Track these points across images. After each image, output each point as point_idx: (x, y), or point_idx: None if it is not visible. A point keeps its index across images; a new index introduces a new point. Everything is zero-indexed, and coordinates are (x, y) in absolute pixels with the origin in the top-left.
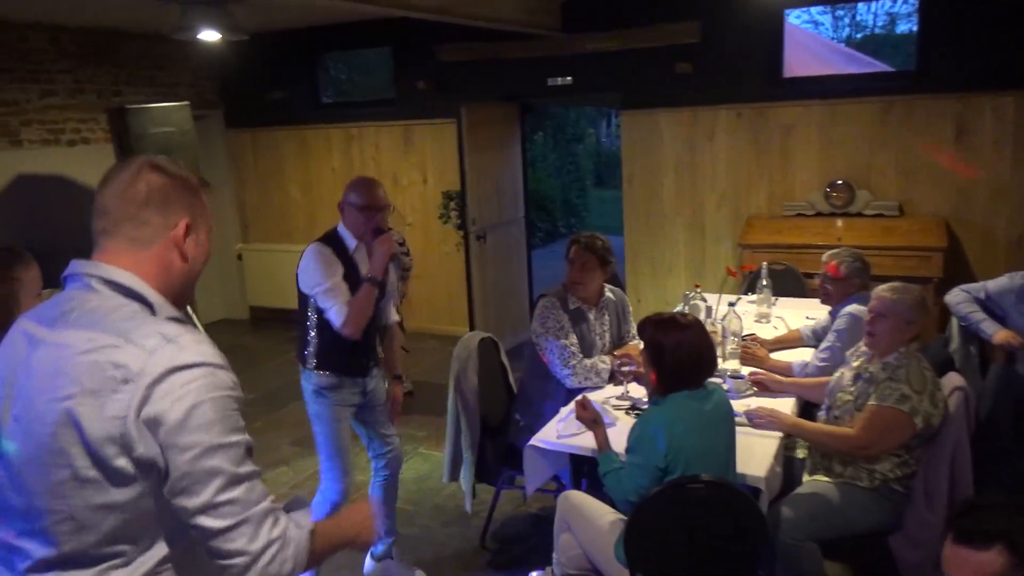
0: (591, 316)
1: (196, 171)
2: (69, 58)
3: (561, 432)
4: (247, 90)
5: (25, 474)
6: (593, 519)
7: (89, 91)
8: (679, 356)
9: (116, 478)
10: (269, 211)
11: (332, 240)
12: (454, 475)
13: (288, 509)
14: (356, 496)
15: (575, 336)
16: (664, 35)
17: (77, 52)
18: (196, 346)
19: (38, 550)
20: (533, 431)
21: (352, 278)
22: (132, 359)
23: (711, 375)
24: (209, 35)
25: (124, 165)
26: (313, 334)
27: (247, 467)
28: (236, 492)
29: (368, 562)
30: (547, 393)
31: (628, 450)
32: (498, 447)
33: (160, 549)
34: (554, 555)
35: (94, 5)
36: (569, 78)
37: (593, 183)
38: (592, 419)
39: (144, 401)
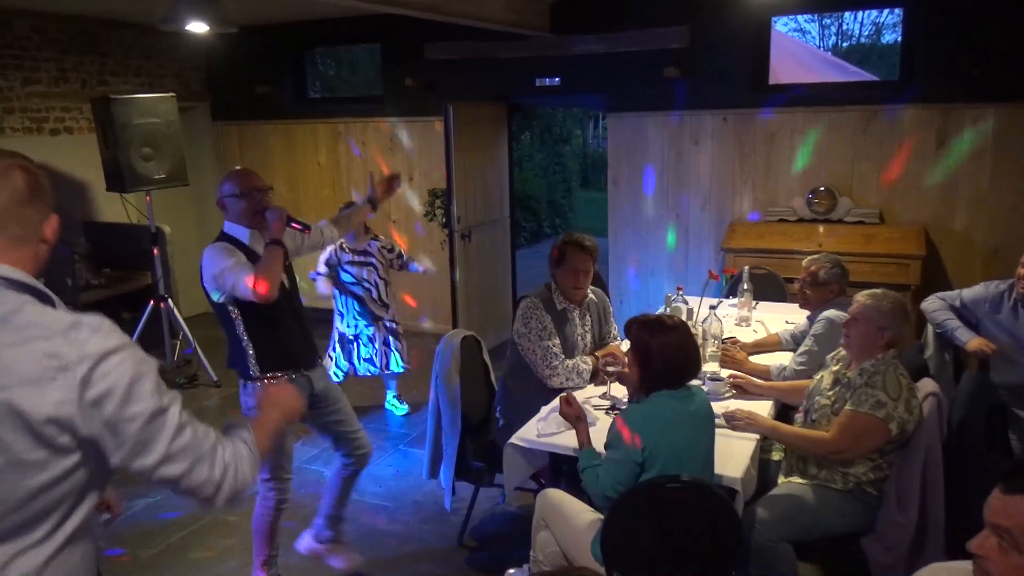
0: (575, 317)
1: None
2: (54, 46)
3: (541, 431)
4: (234, 83)
5: None
6: (571, 517)
7: (74, 80)
8: (665, 357)
9: (59, 454)
10: None
11: (224, 238)
12: (434, 472)
13: (227, 431)
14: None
15: (558, 338)
16: (653, 39)
17: (63, 40)
18: (114, 330)
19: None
20: (513, 429)
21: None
22: (64, 349)
23: (694, 376)
24: (197, 27)
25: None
26: (246, 339)
27: (184, 417)
28: (184, 438)
29: (307, 540)
30: (528, 391)
31: (607, 445)
32: (478, 445)
33: (70, 524)
34: (531, 553)
35: None
36: (557, 79)
37: (579, 184)
38: (576, 415)
39: (85, 385)
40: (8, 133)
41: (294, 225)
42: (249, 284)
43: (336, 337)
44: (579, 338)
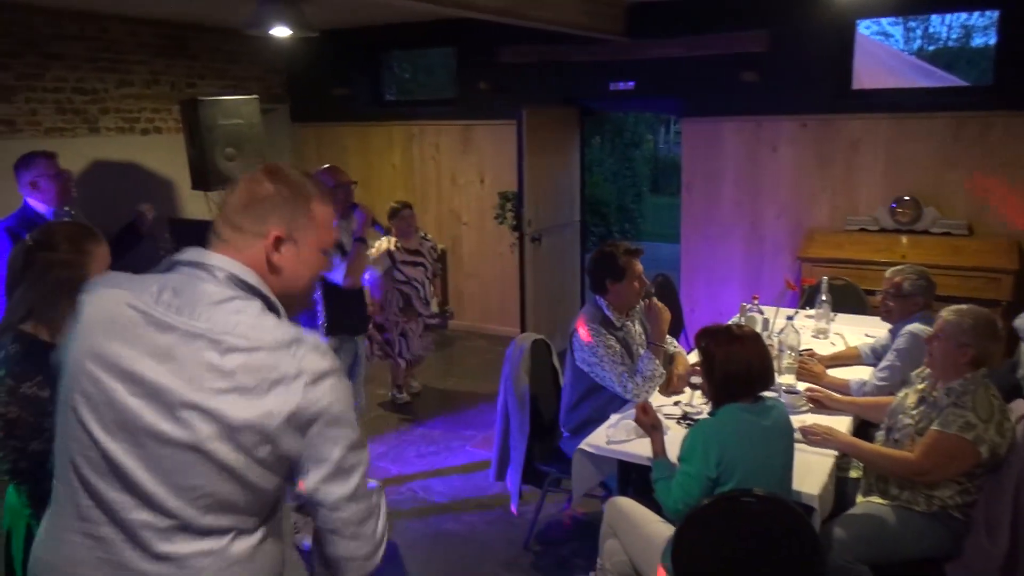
0: (631, 327)
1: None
2: (147, 49)
3: (611, 438)
4: (313, 86)
5: (163, 457)
6: (641, 526)
7: (164, 82)
8: (727, 369)
9: (254, 467)
10: None
11: None
12: (501, 475)
13: None
14: None
15: (629, 356)
16: (730, 43)
17: (155, 44)
18: (329, 352)
19: (172, 524)
20: (579, 439)
21: (339, 248)
22: (284, 363)
23: (764, 389)
24: (280, 31)
25: (257, 169)
26: (320, 307)
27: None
28: (368, 482)
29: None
30: (608, 411)
31: (681, 459)
32: (546, 449)
33: (272, 521)
34: (599, 560)
35: None
36: (632, 83)
37: (649, 189)
38: (652, 423)
39: (297, 403)
40: (103, 133)
41: (377, 227)
42: (340, 277)
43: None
44: (639, 347)
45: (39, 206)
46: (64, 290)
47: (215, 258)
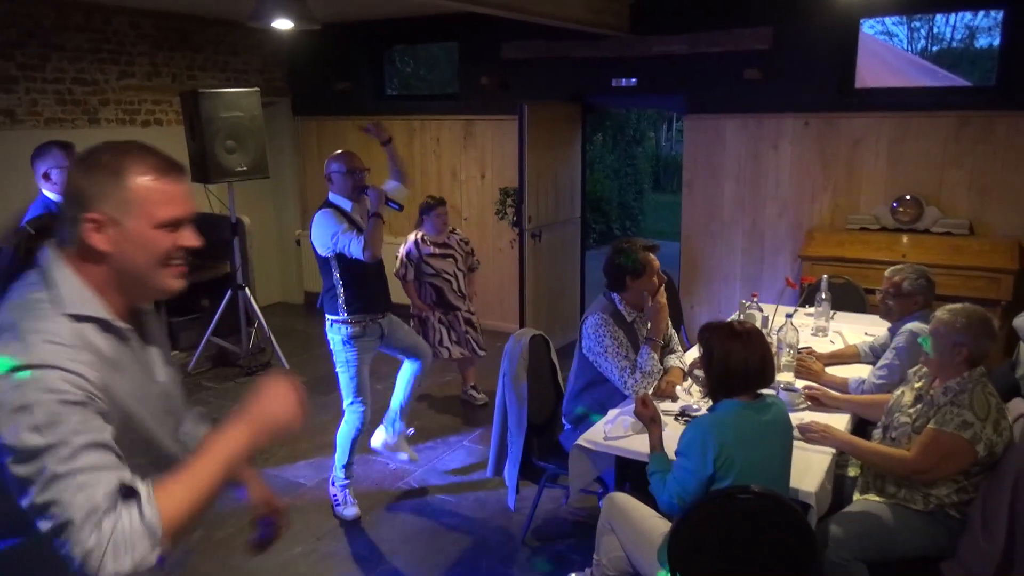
0: (640, 325)
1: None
2: (148, 41)
3: (608, 434)
4: (314, 79)
5: None
6: (638, 522)
7: (165, 74)
8: (727, 364)
9: None
10: None
11: (330, 205)
12: (498, 470)
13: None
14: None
15: (633, 351)
16: (734, 40)
17: (156, 36)
18: (40, 346)
19: None
20: (579, 433)
21: (357, 229)
22: None
23: (765, 386)
24: (283, 24)
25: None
26: (340, 288)
27: (69, 465)
28: (52, 493)
29: (379, 435)
30: (611, 403)
31: (678, 453)
32: (543, 445)
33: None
34: (595, 556)
35: None
36: (634, 80)
37: (651, 186)
38: (651, 417)
39: None
40: (103, 124)
41: (391, 204)
42: (360, 248)
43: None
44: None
45: (53, 196)
46: None
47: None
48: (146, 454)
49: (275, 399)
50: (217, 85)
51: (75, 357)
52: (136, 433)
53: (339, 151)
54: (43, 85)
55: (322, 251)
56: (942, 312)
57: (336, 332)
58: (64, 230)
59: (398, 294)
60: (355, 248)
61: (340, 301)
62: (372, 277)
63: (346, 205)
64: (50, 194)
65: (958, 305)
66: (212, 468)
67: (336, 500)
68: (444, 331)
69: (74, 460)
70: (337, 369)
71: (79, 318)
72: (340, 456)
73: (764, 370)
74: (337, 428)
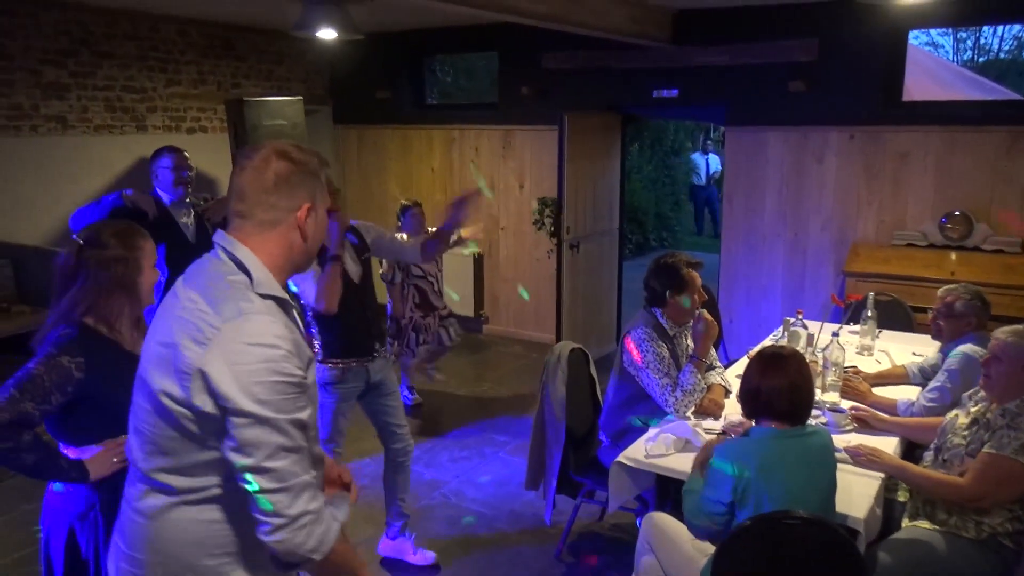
0: (682, 340)
1: (317, 152)
2: (195, 49)
3: (649, 451)
4: (356, 88)
5: (135, 396)
6: (679, 544)
7: (211, 82)
8: (766, 389)
9: (178, 416)
10: (369, 206)
11: None
12: (534, 484)
13: (328, 503)
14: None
15: (675, 368)
16: (778, 51)
17: (203, 44)
18: (264, 326)
19: (149, 462)
20: (618, 449)
21: (321, 260)
22: (208, 325)
23: (805, 413)
24: (326, 33)
25: (255, 151)
26: (314, 329)
27: (294, 441)
28: (279, 462)
29: (383, 542)
30: (641, 419)
31: (706, 477)
32: (581, 459)
33: (208, 487)
34: None
35: (222, 0)
36: (675, 91)
37: (688, 197)
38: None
39: (206, 362)
40: (150, 131)
41: (350, 238)
42: (312, 299)
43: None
44: (684, 359)
45: (161, 194)
46: (120, 285)
47: (227, 241)
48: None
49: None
50: (261, 93)
51: (288, 336)
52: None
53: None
54: (93, 92)
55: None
56: (1006, 334)
57: (315, 370)
58: (246, 218)
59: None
60: (308, 295)
61: (315, 343)
62: (351, 314)
63: None
64: (160, 192)
65: (1021, 327)
66: (347, 555)
67: None
68: (415, 336)
69: (295, 436)
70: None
71: (265, 297)
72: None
73: (806, 398)
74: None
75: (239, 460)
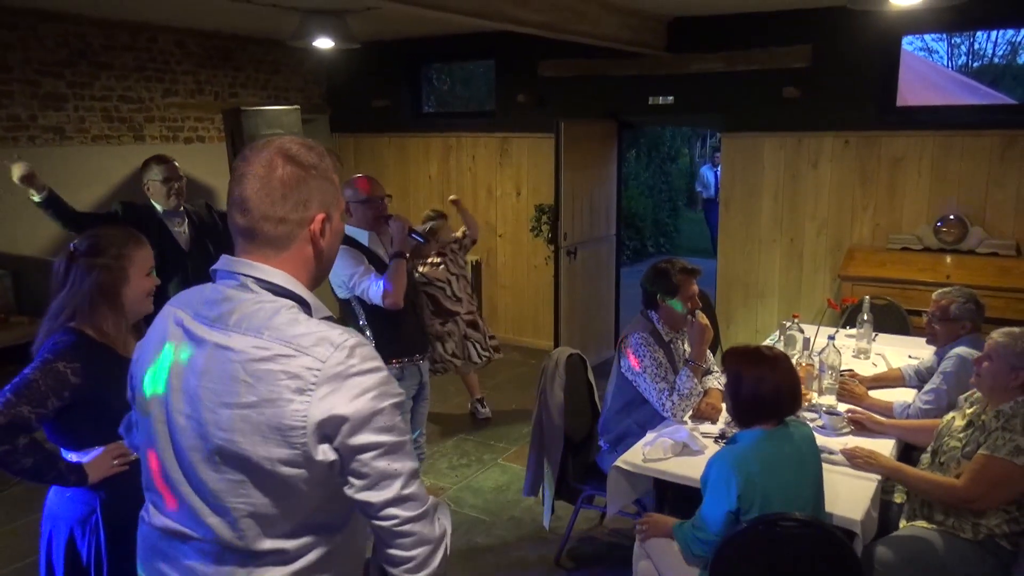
0: (679, 344)
1: (328, 148)
2: (192, 60)
3: (647, 456)
4: (353, 97)
5: (199, 470)
6: (676, 550)
7: (208, 92)
8: (754, 391)
9: (288, 479)
10: None
11: (346, 240)
12: (533, 490)
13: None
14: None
15: (672, 372)
16: (773, 58)
17: (200, 54)
18: (360, 351)
19: (214, 537)
20: (617, 453)
21: (376, 264)
22: (305, 370)
23: (792, 413)
24: (323, 43)
25: (256, 153)
26: (368, 333)
27: (416, 462)
28: (414, 487)
29: None
30: (651, 424)
31: (703, 490)
32: (579, 465)
33: (318, 543)
34: None
35: (220, 10)
36: (671, 98)
37: (685, 203)
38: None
39: (320, 409)
40: (148, 141)
41: (414, 236)
42: (379, 295)
43: None
44: (680, 363)
45: (155, 204)
46: (100, 293)
47: (250, 267)
48: None
49: None
50: (258, 103)
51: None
52: None
53: (357, 176)
54: (91, 103)
55: (340, 292)
56: (1000, 335)
57: None
58: (252, 237)
59: None
60: (374, 294)
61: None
62: (404, 314)
63: (361, 237)
64: (155, 203)
65: (1016, 329)
66: None
67: None
68: (440, 345)
69: (413, 458)
70: None
71: (331, 320)
72: None
73: (794, 397)
74: None
75: (377, 497)
